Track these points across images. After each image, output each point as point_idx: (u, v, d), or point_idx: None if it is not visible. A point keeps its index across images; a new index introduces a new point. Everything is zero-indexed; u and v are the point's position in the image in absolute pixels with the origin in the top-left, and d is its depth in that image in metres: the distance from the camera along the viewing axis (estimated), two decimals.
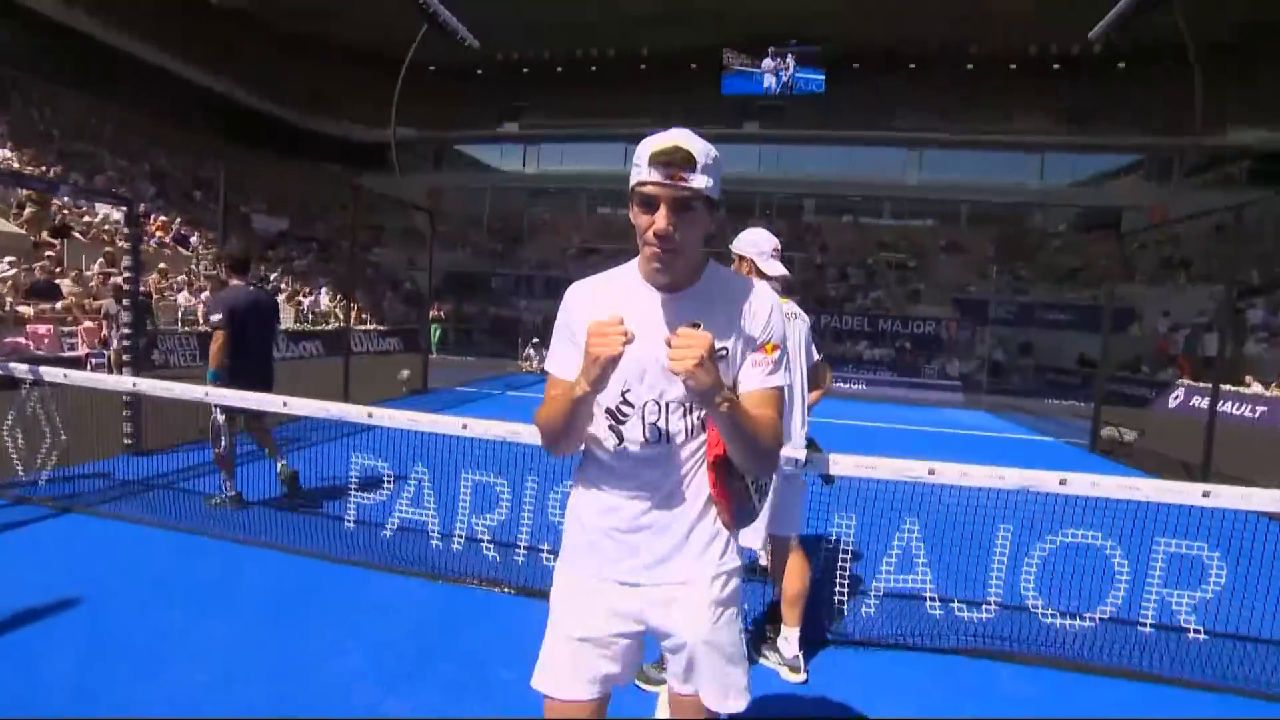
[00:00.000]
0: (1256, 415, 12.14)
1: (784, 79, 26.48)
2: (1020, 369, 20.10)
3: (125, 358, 6.11)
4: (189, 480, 4.75)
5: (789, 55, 26.27)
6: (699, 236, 1.24)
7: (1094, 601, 2.91)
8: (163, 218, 16.75)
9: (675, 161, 1.15)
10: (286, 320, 16.04)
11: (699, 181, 1.17)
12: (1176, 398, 14.94)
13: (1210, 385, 7.77)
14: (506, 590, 3.31)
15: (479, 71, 28.80)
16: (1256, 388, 13.26)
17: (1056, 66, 25.18)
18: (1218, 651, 2.88)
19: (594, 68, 29.04)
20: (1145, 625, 2.93)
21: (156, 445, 5.37)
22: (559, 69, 29.35)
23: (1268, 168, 22.56)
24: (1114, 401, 12.67)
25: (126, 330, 6.07)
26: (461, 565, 3.46)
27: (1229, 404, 12.48)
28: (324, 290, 19.25)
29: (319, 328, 16.80)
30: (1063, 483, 2.60)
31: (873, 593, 3.04)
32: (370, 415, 3.56)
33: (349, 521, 3.82)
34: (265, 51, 26.85)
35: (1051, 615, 2.97)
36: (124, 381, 4.45)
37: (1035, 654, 2.90)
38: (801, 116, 27.46)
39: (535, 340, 16.71)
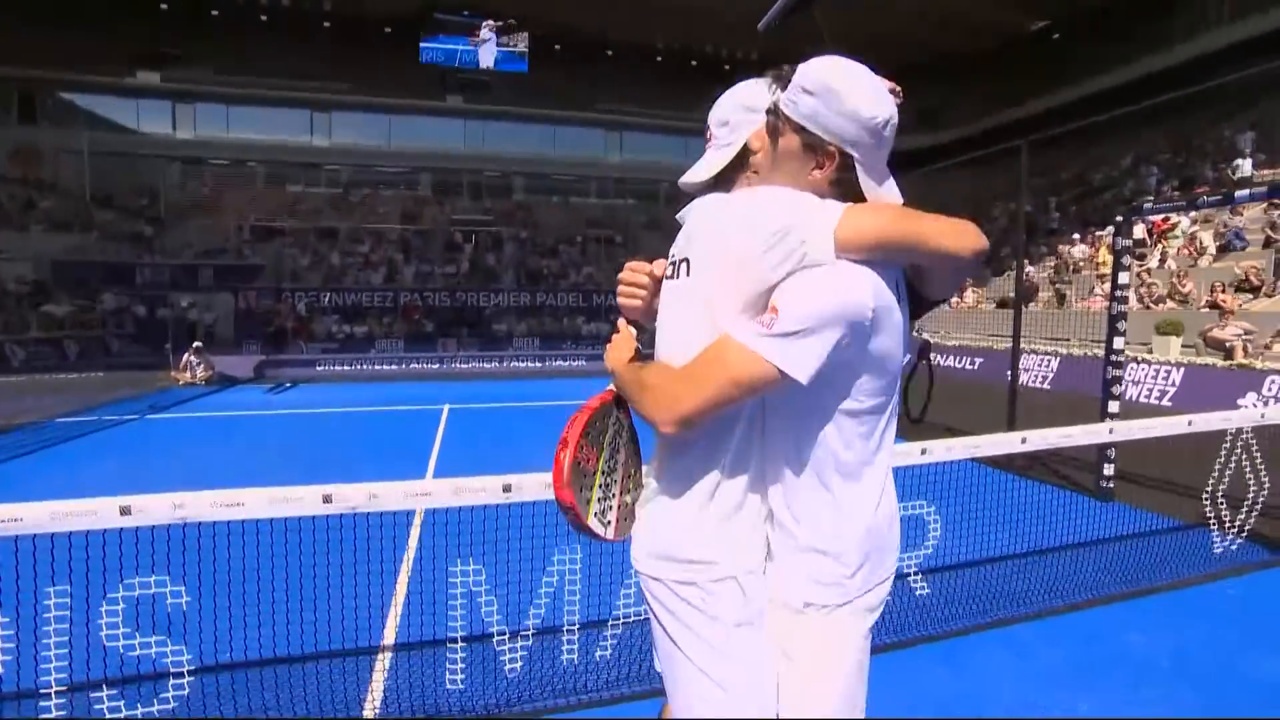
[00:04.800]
0: (976, 367, 12.52)
1: (489, 54, 25.47)
2: None
3: None
4: None
5: (492, 30, 25.29)
6: None
7: None
8: None
9: None
10: None
11: None
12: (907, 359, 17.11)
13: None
14: None
15: None
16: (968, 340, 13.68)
17: (726, 67, 28.36)
18: (933, 600, 3.09)
19: (264, 17, 24.51)
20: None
21: None
22: (215, 11, 24.16)
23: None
24: None
25: None
26: None
27: (950, 358, 13.01)
28: None
29: None
30: None
31: None
32: None
33: None
34: None
35: None
36: None
37: None
38: (505, 94, 26.82)
39: (198, 345, 13.44)
